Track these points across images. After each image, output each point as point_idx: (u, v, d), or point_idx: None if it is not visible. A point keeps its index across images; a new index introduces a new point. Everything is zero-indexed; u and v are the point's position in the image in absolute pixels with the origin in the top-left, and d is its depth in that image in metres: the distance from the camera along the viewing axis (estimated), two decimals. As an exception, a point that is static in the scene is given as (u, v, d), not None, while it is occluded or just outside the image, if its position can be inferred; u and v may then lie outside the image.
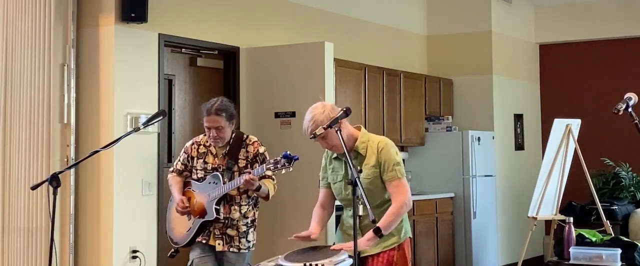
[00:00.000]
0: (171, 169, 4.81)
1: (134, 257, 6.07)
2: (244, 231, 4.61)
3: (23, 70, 6.10)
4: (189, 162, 4.70)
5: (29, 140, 6.03)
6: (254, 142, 4.64)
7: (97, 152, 4.50)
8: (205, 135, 4.67)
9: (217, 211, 4.50)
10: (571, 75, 10.31)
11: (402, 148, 9.12)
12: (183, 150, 4.75)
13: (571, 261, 5.84)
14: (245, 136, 4.66)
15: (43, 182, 4.27)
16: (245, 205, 4.60)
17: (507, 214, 9.57)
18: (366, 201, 3.40)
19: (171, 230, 4.75)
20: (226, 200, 4.54)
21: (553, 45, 10.49)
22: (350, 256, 3.62)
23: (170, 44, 6.61)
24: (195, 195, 4.62)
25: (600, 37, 10.10)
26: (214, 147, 4.62)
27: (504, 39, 9.79)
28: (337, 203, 4.17)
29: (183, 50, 7.02)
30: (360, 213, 3.48)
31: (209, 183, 4.55)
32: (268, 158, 4.54)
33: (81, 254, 6.10)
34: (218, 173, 4.54)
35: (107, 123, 6.03)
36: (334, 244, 4.06)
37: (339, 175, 3.97)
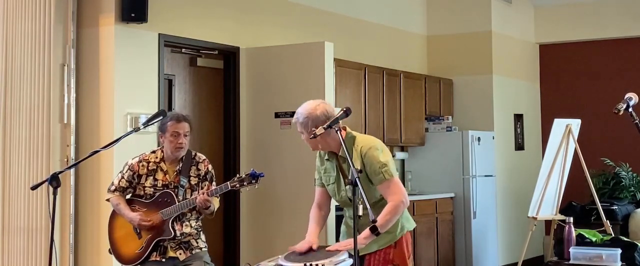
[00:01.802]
0: (112, 188, 4.66)
1: (134, 257, 6.06)
2: (197, 232, 4.63)
3: (23, 70, 6.10)
4: (134, 180, 4.61)
5: (29, 140, 6.03)
6: (203, 159, 4.67)
7: (97, 152, 4.50)
8: (153, 152, 4.67)
9: (174, 228, 4.50)
10: (571, 75, 10.31)
11: (402, 149, 9.12)
12: (127, 167, 4.64)
13: (571, 261, 5.83)
14: (193, 153, 4.67)
15: (43, 182, 4.27)
16: (194, 220, 4.62)
17: (507, 214, 9.57)
18: (366, 202, 3.39)
19: (117, 251, 4.66)
20: (178, 217, 4.53)
21: (553, 45, 10.49)
22: (350, 256, 3.62)
23: (170, 44, 6.61)
24: (144, 213, 4.55)
25: (600, 37, 10.10)
26: (165, 163, 4.60)
27: (504, 39, 9.79)
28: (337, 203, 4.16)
29: (183, 50, 7.02)
30: (360, 213, 3.48)
31: (161, 200, 4.52)
32: (214, 177, 4.65)
33: (81, 254, 6.10)
34: (169, 190, 4.52)
35: (107, 123, 6.03)
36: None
37: (331, 177, 3.96)
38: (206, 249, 4.68)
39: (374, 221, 3.41)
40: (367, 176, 3.78)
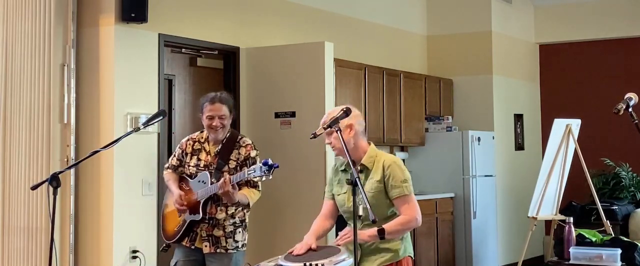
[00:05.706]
0: (167, 165, 4.74)
1: (134, 257, 6.07)
2: (231, 232, 4.50)
3: (23, 71, 6.11)
4: (183, 158, 4.63)
5: (29, 140, 6.03)
6: (247, 144, 4.53)
7: (97, 152, 4.49)
8: (201, 131, 4.64)
9: (204, 211, 4.43)
10: (571, 75, 10.32)
11: (402, 149, 9.12)
12: (178, 145, 4.70)
13: (571, 261, 5.84)
14: (239, 137, 4.57)
15: (43, 182, 4.26)
16: (232, 205, 4.48)
17: (507, 214, 9.57)
18: (366, 202, 3.38)
19: (163, 226, 4.70)
20: (213, 200, 4.46)
21: (553, 45, 10.50)
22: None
23: (170, 44, 6.61)
24: (187, 192, 4.55)
25: (600, 37, 10.10)
26: (208, 143, 4.56)
27: (504, 39, 9.79)
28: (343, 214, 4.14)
29: (183, 50, 7.02)
30: (361, 213, 3.47)
31: (199, 181, 4.49)
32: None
33: (81, 254, 6.10)
34: (207, 172, 4.47)
35: (107, 123, 6.04)
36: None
37: (344, 187, 3.93)
38: (235, 250, 4.51)
39: (374, 221, 3.40)
40: (385, 188, 3.79)
